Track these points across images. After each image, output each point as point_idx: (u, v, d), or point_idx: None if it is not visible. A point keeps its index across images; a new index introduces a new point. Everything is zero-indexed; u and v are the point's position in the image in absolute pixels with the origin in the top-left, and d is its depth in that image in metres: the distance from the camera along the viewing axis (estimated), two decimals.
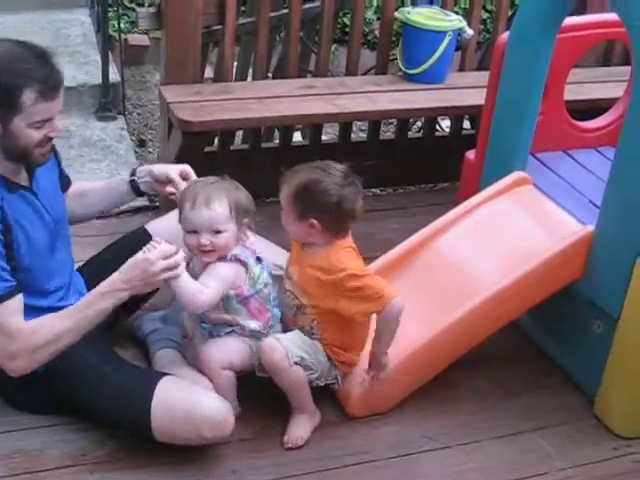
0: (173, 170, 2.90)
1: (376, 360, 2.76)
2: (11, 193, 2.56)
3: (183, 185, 2.84)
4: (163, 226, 2.99)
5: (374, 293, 2.64)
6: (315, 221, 2.64)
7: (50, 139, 2.54)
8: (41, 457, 2.61)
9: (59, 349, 2.55)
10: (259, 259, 2.79)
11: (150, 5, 5.42)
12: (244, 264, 2.71)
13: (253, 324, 2.75)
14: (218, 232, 2.64)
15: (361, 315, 2.69)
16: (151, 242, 2.58)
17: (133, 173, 2.97)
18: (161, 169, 2.93)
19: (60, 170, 2.87)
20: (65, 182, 2.91)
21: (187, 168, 2.92)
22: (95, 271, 2.91)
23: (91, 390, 2.62)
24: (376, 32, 5.72)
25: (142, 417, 2.55)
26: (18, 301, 2.53)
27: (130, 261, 2.56)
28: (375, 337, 2.74)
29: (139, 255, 2.54)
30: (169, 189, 2.87)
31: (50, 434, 2.68)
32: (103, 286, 2.56)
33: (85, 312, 2.56)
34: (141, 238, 2.95)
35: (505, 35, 3.28)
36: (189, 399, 2.58)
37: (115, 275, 2.56)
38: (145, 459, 2.62)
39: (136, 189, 2.95)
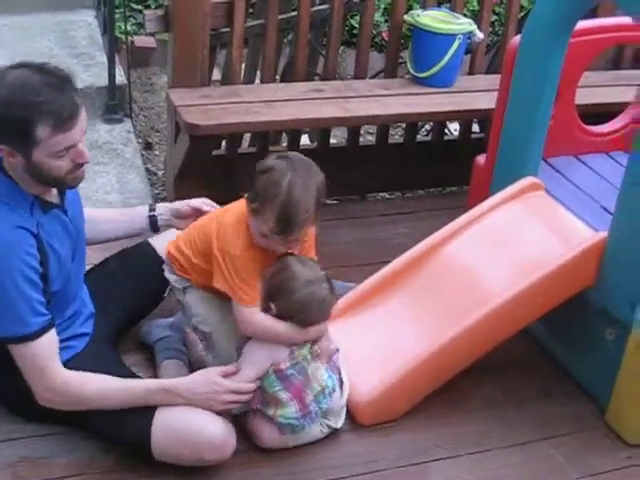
0: (194, 201, 2.94)
1: None
2: (46, 214, 2.50)
3: (209, 209, 2.89)
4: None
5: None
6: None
7: (81, 165, 2.45)
8: (48, 465, 2.58)
9: (94, 407, 2.53)
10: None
11: (157, 7, 5.40)
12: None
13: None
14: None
15: None
16: (235, 364, 2.61)
17: (152, 209, 2.97)
18: (181, 202, 2.96)
19: None
20: None
21: (207, 200, 2.95)
22: (102, 286, 2.90)
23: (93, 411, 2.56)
24: (384, 34, 5.69)
25: (142, 438, 2.52)
26: (53, 338, 2.49)
27: (203, 373, 2.58)
28: None
29: (213, 374, 2.56)
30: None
31: (56, 442, 2.65)
32: (170, 383, 2.57)
33: (135, 392, 2.54)
34: (145, 251, 3.00)
35: (517, 39, 3.25)
36: (190, 421, 2.53)
37: (184, 380, 2.58)
38: (151, 468, 2.58)
39: (153, 225, 2.96)
